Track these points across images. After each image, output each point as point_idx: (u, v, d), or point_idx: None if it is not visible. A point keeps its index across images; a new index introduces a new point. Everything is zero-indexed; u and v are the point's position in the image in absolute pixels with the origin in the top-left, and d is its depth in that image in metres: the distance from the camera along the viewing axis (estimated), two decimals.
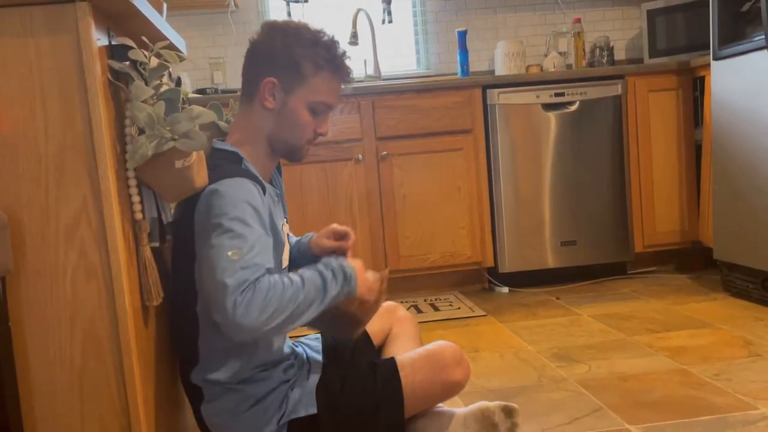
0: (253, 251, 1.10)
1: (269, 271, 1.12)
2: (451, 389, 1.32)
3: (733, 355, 1.95)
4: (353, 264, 1.24)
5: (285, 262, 1.35)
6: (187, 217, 1.20)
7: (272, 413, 1.22)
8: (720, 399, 1.64)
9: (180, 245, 1.23)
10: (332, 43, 1.27)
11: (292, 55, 1.23)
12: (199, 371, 1.23)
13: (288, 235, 1.42)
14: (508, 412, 1.32)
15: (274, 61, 1.24)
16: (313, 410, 1.23)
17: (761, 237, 2.39)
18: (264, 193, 1.22)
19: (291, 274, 1.17)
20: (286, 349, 1.34)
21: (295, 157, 1.33)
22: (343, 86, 1.32)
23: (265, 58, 1.26)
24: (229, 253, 1.08)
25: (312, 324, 1.26)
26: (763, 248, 2.39)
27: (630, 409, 1.62)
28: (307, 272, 1.17)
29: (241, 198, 1.15)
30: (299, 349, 1.41)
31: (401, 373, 1.27)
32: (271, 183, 1.36)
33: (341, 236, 1.45)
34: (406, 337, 1.54)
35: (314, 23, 1.29)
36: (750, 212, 2.45)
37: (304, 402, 1.23)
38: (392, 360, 1.31)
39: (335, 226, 1.46)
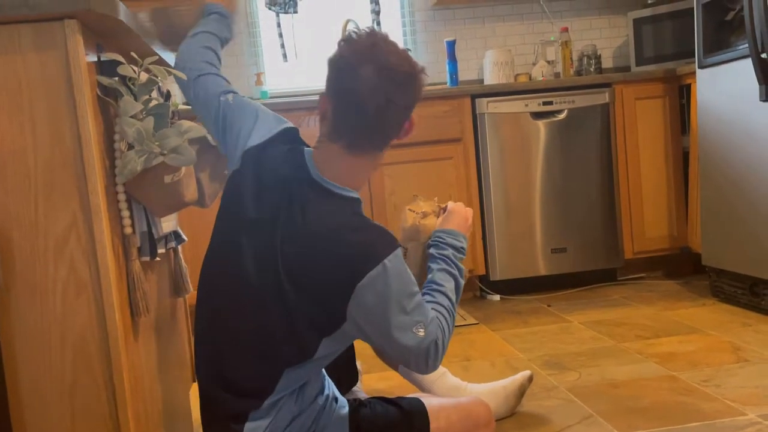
0: (429, 313, 1.18)
1: (431, 310, 1.20)
2: None
3: (721, 360, 1.97)
4: (453, 211, 1.37)
5: None
6: (326, 265, 1.11)
7: None
8: (709, 405, 1.65)
9: (298, 285, 1.12)
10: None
11: (417, 99, 1.20)
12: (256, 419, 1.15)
13: None
14: (531, 378, 1.72)
15: (414, 103, 1.19)
16: None
17: (748, 242, 2.42)
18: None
19: (434, 293, 1.24)
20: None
21: None
22: None
23: (409, 99, 1.17)
24: (416, 330, 1.14)
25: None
26: (750, 254, 2.42)
27: (620, 416, 1.64)
28: (439, 277, 1.26)
29: (405, 271, 1.16)
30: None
31: (434, 424, 1.28)
32: None
33: None
34: None
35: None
36: (737, 218, 2.48)
37: None
38: (421, 406, 1.30)
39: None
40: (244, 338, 1.15)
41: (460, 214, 1.37)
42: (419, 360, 1.17)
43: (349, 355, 1.53)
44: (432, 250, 1.31)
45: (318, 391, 1.24)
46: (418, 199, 1.50)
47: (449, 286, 1.25)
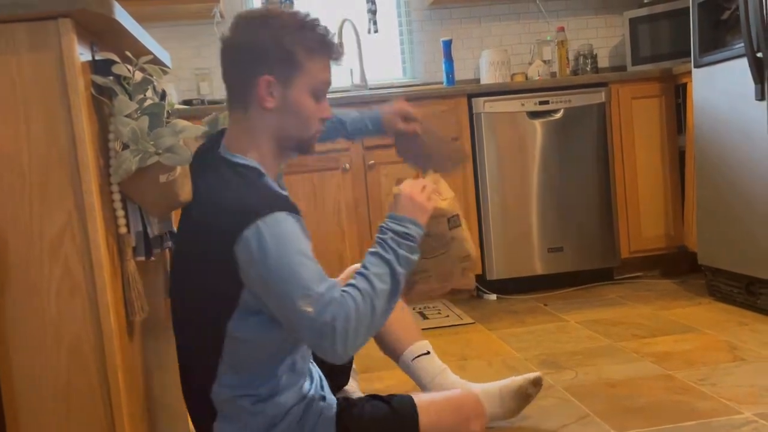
0: (319, 288, 1.08)
1: (335, 285, 1.11)
2: None
3: (717, 359, 1.97)
4: (399, 194, 1.22)
5: None
6: (206, 233, 1.14)
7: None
8: (705, 404, 1.66)
9: (196, 258, 1.17)
10: (316, 22, 1.22)
11: (283, 46, 1.16)
12: (219, 388, 1.18)
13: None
14: (536, 382, 1.59)
15: (265, 56, 1.16)
16: None
17: (744, 241, 2.42)
18: (298, 210, 1.18)
19: (356, 275, 1.14)
20: (304, 365, 1.30)
21: (307, 150, 1.28)
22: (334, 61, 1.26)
23: (252, 55, 1.17)
24: (301, 304, 1.06)
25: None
26: (746, 252, 2.42)
27: (616, 415, 1.64)
28: (368, 261, 1.15)
29: (288, 236, 1.11)
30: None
31: (424, 419, 1.25)
32: (277, 183, 1.31)
33: (409, 117, 1.50)
34: (404, 323, 1.59)
35: (285, 4, 1.25)
36: (733, 217, 2.48)
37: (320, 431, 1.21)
38: (410, 402, 1.27)
39: (402, 105, 1.50)
40: (180, 306, 1.25)
41: (405, 196, 1.22)
42: (314, 342, 1.08)
43: None
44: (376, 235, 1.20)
45: (297, 400, 1.22)
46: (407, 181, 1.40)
47: (376, 270, 1.12)
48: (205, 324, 1.17)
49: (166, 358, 1.37)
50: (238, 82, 1.20)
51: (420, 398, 1.30)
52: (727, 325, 2.29)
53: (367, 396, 1.33)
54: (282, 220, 1.11)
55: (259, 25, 1.18)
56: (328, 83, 1.25)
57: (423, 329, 2.54)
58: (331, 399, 1.28)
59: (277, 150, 1.24)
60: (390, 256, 1.14)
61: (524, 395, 1.58)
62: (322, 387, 1.32)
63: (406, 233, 1.17)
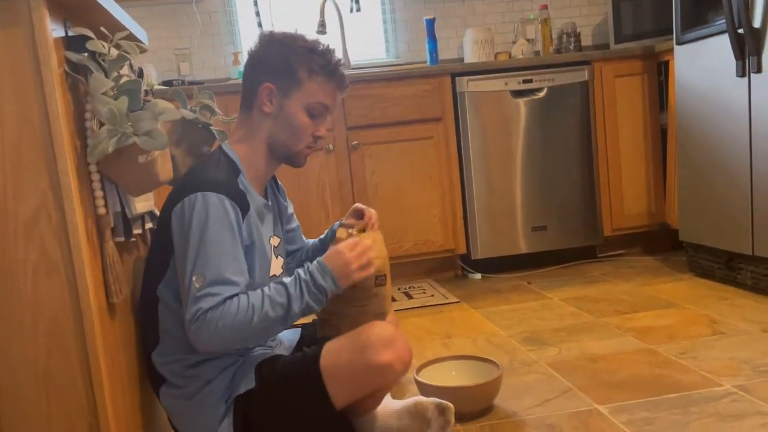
0: (215, 275, 1.15)
1: (236, 287, 1.17)
2: (379, 373, 1.21)
3: (698, 333, 2.00)
4: (338, 248, 1.23)
5: (273, 271, 1.36)
6: (167, 211, 1.23)
7: (220, 394, 1.24)
8: (685, 377, 1.68)
9: (158, 234, 1.27)
10: (327, 52, 1.32)
11: (287, 61, 1.29)
12: (159, 354, 1.25)
13: (274, 248, 1.40)
14: (442, 410, 1.36)
15: (271, 67, 1.30)
16: (251, 385, 1.23)
17: (724, 218, 2.45)
18: (247, 209, 1.24)
19: (260, 290, 1.19)
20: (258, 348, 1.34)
21: (295, 162, 1.36)
22: (338, 93, 1.35)
23: (262, 65, 1.31)
24: (194, 279, 1.15)
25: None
26: (726, 229, 2.45)
27: (599, 389, 1.66)
28: (274, 288, 1.19)
29: (216, 215, 1.18)
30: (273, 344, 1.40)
31: (324, 358, 1.22)
32: (265, 192, 1.38)
33: (360, 215, 1.45)
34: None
35: (310, 35, 1.35)
36: (713, 193, 2.50)
37: (245, 380, 1.24)
38: (321, 345, 1.26)
39: (357, 205, 1.47)
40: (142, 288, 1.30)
41: (341, 254, 1.22)
42: (187, 318, 1.14)
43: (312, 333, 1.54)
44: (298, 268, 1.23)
45: (231, 362, 1.27)
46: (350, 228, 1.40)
47: (276, 298, 1.17)
48: (148, 291, 1.26)
49: None
50: (247, 86, 1.33)
51: (333, 340, 1.26)
52: (708, 300, 2.33)
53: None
54: (219, 202, 1.19)
55: (276, 42, 1.32)
56: (326, 107, 1.33)
57: (408, 309, 2.55)
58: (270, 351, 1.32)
59: (268, 154, 1.33)
60: (295, 295, 1.18)
61: (422, 416, 1.36)
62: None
63: (322, 287, 1.20)
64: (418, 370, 1.65)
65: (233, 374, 1.26)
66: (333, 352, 1.23)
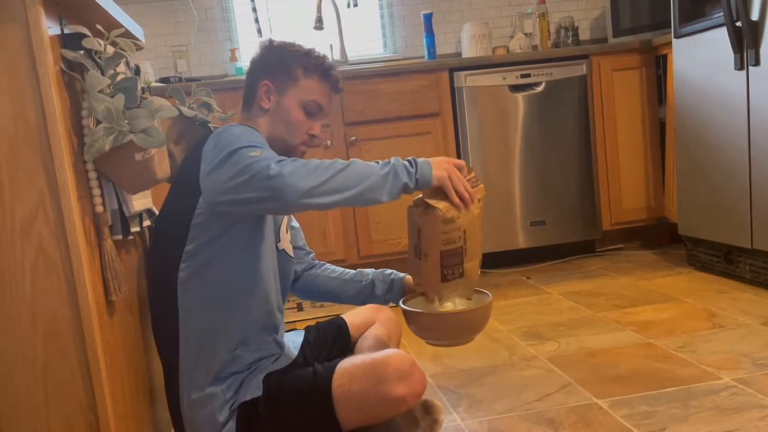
0: (267, 149, 1.18)
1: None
2: (392, 405, 1.18)
3: (697, 327, 2.00)
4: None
5: (284, 245, 1.40)
6: (176, 204, 1.25)
7: (226, 399, 1.22)
8: (685, 370, 1.69)
9: (164, 238, 1.26)
10: (322, 56, 1.40)
11: (284, 61, 1.37)
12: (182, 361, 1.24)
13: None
14: (427, 408, 1.34)
15: (269, 67, 1.38)
16: (258, 393, 1.21)
17: (723, 211, 2.45)
18: None
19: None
20: (274, 348, 1.31)
21: (291, 157, 1.32)
22: (333, 94, 1.41)
23: (261, 66, 1.39)
24: (249, 152, 1.13)
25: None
26: (724, 222, 2.45)
27: (598, 383, 1.66)
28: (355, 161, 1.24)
29: (250, 131, 1.23)
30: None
31: (337, 382, 1.18)
32: None
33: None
34: (384, 334, 1.53)
35: (308, 44, 1.42)
36: (712, 187, 2.50)
37: (252, 387, 1.23)
38: (334, 365, 1.22)
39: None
40: (151, 281, 1.32)
41: (443, 159, 1.29)
42: (263, 183, 1.10)
43: (339, 324, 1.54)
44: None
45: (244, 367, 1.25)
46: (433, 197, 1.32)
47: (350, 166, 1.20)
48: (160, 282, 1.25)
49: (147, 337, 1.35)
50: (248, 85, 1.41)
51: (345, 361, 1.24)
52: (707, 294, 2.33)
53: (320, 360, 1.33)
54: (250, 130, 1.24)
55: (273, 46, 1.40)
56: (320, 106, 1.39)
57: None
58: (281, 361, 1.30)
59: None
60: (378, 164, 1.21)
61: (409, 415, 1.32)
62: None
63: (415, 162, 1.24)
64: (405, 300, 1.44)
65: (241, 381, 1.24)
66: (346, 377, 1.18)
